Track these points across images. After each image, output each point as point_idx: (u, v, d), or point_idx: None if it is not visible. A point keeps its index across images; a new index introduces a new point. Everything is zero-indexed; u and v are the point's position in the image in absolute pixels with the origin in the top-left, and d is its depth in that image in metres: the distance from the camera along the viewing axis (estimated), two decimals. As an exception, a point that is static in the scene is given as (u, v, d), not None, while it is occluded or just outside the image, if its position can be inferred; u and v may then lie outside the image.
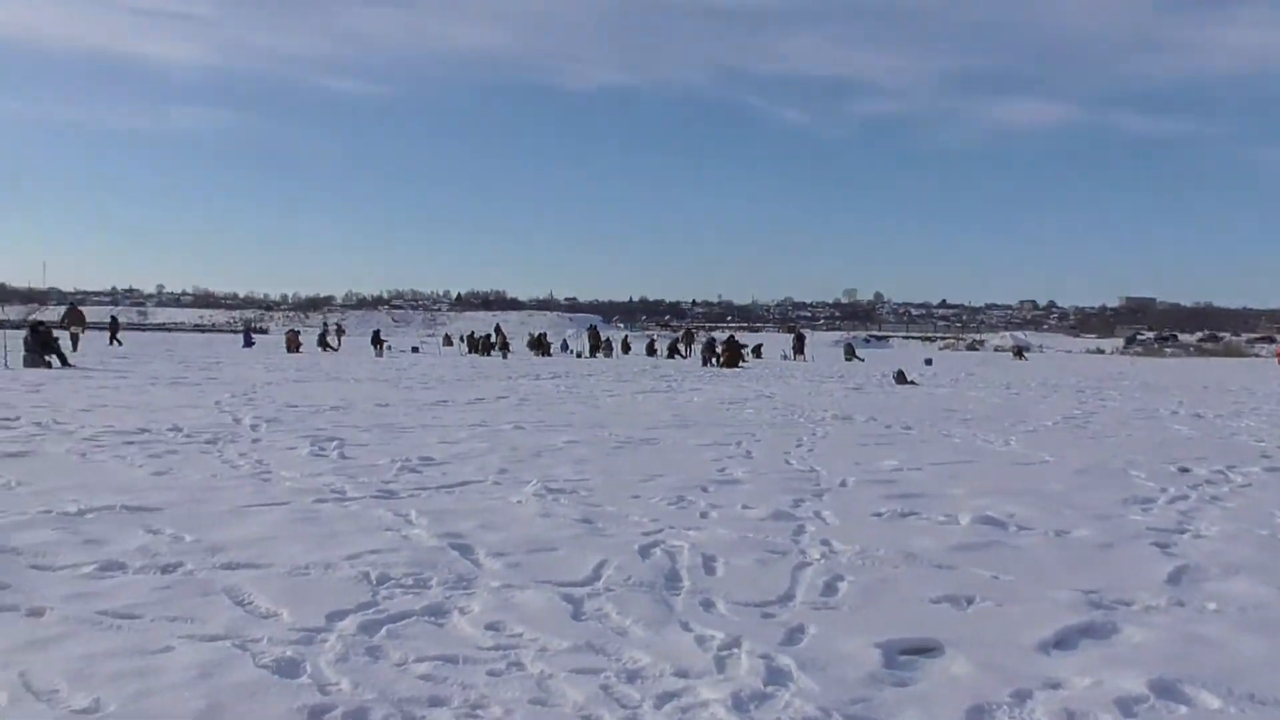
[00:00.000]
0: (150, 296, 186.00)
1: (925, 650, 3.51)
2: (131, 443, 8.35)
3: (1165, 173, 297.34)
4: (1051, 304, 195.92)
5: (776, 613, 3.92)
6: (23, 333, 20.70)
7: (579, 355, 42.02)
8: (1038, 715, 2.96)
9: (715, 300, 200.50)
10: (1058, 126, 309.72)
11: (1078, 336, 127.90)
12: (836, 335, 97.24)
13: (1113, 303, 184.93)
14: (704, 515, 5.81)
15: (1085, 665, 3.37)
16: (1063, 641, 3.63)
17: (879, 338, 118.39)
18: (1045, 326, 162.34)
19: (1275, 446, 10.06)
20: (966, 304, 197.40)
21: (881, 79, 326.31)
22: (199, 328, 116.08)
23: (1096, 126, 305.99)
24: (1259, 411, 15.02)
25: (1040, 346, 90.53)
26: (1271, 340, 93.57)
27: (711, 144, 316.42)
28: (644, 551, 4.83)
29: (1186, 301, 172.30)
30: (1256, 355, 73.65)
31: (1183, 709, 3.03)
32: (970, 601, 4.12)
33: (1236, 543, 5.34)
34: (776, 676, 3.21)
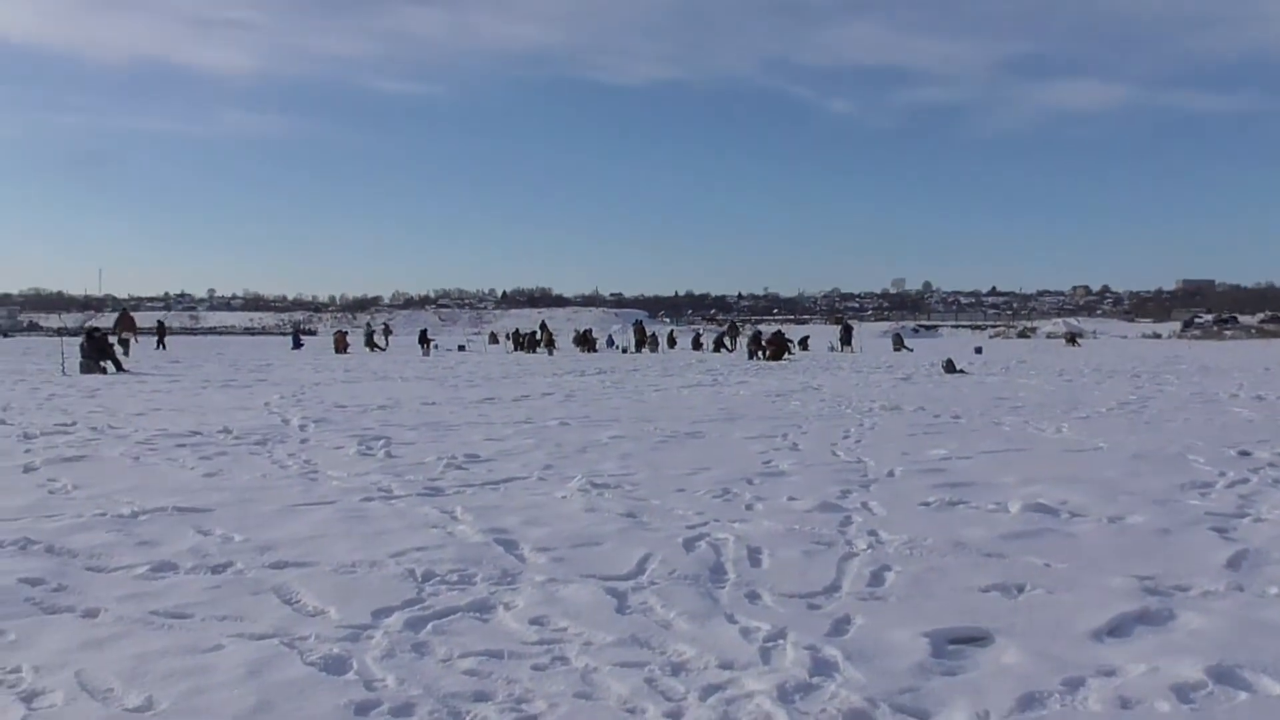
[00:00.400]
0: (202, 301, 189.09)
1: (975, 639, 3.45)
2: (183, 445, 8.50)
3: (1222, 151, 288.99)
4: (1105, 289, 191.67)
5: (823, 604, 3.88)
6: (79, 339, 21.17)
7: (624, 351, 41.98)
8: (1091, 704, 2.90)
9: (761, 293, 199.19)
10: (1110, 108, 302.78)
11: (1133, 321, 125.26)
12: (885, 325, 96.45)
13: (1169, 286, 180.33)
14: (749, 508, 5.77)
15: (1141, 652, 3.30)
16: (1117, 629, 3.55)
17: (928, 327, 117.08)
18: (1099, 312, 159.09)
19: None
20: (1017, 291, 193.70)
21: (930, 66, 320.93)
22: (249, 330, 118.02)
23: (1150, 107, 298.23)
24: (1322, 392, 14.63)
25: (1094, 332, 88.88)
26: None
27: (758, 136, 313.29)
28: (689, 545, 4.81)
29: (1247, 283, 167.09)
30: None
31: (1243, 695, 2.95)
32: (1021, 590, 4.04)
33: (1299, 526, 5.20)
34: (823, 667, 3.17)
